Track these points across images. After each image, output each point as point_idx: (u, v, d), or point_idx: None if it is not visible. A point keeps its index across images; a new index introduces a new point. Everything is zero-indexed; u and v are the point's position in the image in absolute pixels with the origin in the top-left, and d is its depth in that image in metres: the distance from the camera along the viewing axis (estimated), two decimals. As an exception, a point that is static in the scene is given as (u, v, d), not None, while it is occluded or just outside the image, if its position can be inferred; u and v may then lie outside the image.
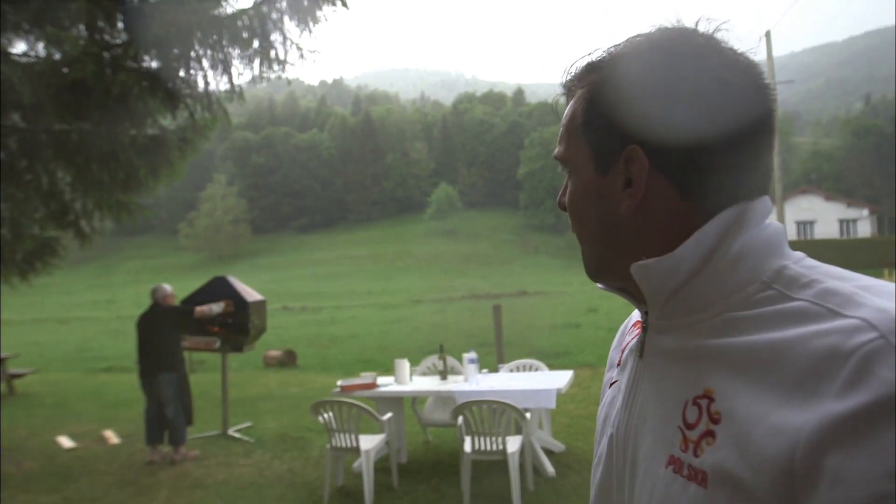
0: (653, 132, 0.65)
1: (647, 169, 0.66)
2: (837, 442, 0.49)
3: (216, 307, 6.89)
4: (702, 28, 0.68)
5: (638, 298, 0.74)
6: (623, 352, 0.83)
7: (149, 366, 6.38)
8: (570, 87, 0.75)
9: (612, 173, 0.69)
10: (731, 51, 0.67)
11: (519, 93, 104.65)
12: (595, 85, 0.71)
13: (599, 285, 0.78)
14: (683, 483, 0.60)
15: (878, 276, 0.60)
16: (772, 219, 0.68)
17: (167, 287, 6.76)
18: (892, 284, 0.57)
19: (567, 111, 0.75)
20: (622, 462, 0.73)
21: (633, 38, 0.70)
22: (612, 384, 0.83)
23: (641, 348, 0.74)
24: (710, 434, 0.59)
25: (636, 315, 0.88)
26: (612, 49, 0.71)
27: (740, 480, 0.55)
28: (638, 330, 0.81)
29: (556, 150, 0.77)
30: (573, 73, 0.74)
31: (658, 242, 0.68)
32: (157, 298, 6.62)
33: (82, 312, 35.48)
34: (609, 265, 0.74)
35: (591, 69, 0.72)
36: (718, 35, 0.67)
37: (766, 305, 0.60)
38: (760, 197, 0.67)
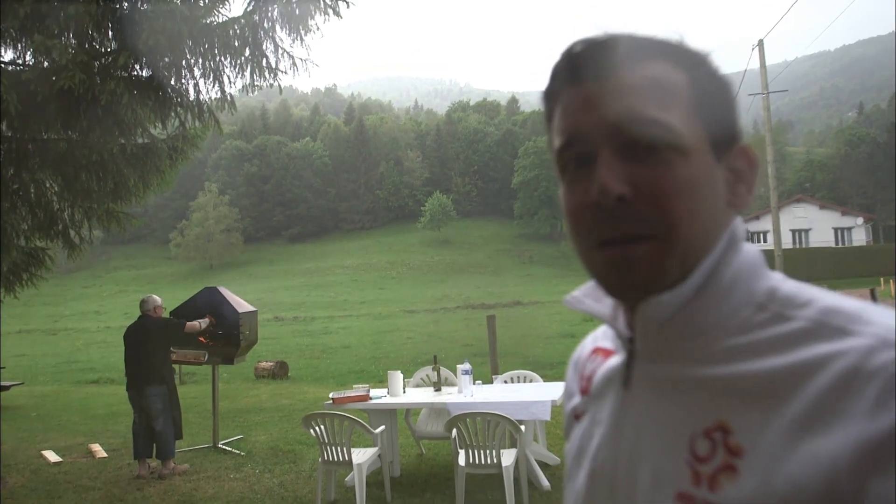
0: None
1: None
2: (879, 465, 0.48)
3: (202, 323, 6.82)
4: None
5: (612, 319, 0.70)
6: (589, 380, 0.77)
7: (136, 378, 6.28)
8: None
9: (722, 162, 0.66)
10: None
11: (513, 101, 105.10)
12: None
13: (571, 304, 0.73)
14: None
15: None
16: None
17: (156, 298, 6.66)
18: (879, 306, 0.57)
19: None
20: (609, 498, 0.68)
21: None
22: (577, 416, 0.78)
23: (626, 377, 0.69)
24: (729, 468, 0.56)
25: (590, 342, 0.83)
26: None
27: None
28: (601, 357, 0.76)
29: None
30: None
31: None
32: (146, 309, 6.53)
33: (70, 323, 35.27)
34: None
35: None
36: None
37: (766, 328, 0.58)
38: (737, 216, 0.66)
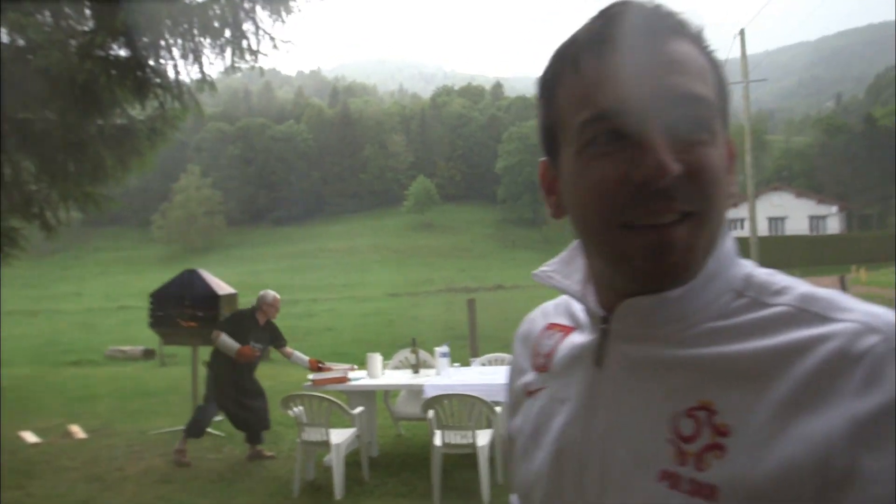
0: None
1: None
2: (868, 442, 0.50)
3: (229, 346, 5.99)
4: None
5: (579, 299, 0.70)
6: (547, 357, 0.76)
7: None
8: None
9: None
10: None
11: (497, 87, 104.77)
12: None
13: (540, 278, 0.74)
14: (684, 498, 0.57)
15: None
16: None
17: (268, 294, 6.21)
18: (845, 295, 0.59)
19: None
20: (577, 478, 0.66)
21: None
22: (530, 392, 0.77)
23: (598, 356, 0.68)
24: (717, 447, 0.56)
25: (540, 317, 0.83)
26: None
27: (759, 491, 0.53)
28: (559, 333, 0.76)
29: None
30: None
31: None
32: (259, 305, 6.16)
33: (50, 305, 34.83)
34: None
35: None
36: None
37: (745, 313, 0.60)
38: None
